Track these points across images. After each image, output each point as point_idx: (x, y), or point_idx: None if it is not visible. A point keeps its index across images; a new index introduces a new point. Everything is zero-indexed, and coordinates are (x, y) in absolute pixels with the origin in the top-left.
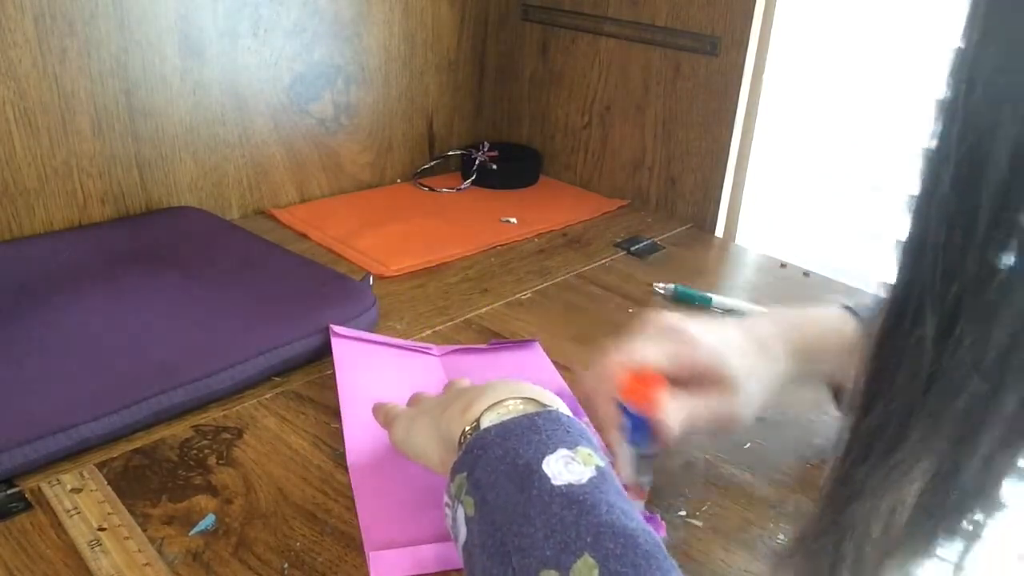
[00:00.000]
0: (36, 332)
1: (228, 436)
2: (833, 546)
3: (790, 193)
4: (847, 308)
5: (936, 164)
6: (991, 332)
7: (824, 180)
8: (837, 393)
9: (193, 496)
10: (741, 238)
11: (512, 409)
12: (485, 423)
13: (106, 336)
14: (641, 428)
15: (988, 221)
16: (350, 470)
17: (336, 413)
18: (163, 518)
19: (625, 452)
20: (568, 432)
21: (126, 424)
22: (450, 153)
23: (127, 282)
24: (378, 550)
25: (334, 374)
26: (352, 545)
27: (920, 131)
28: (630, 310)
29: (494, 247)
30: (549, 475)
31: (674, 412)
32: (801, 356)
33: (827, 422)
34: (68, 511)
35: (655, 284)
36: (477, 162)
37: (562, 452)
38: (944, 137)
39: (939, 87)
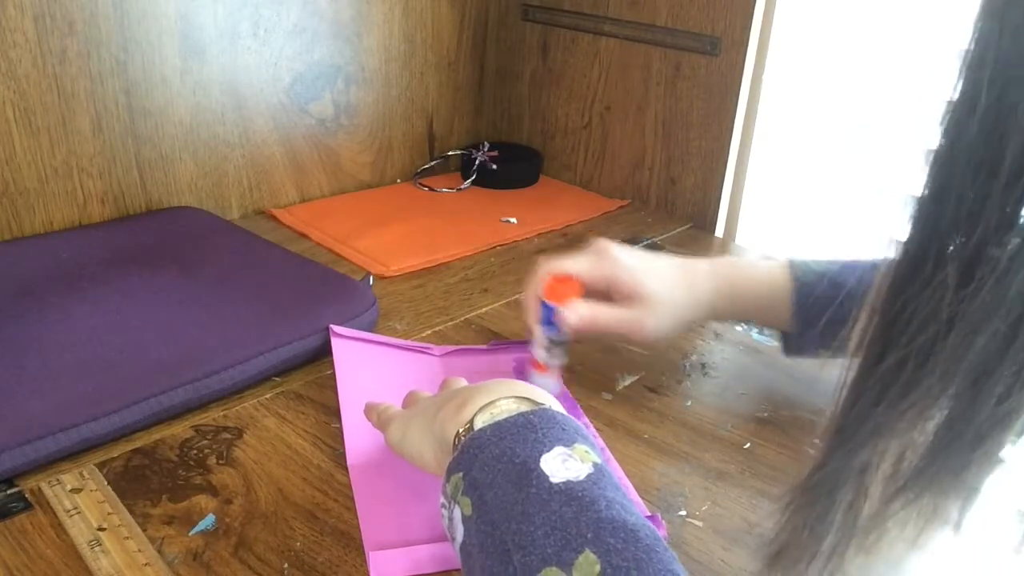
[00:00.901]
0: (36, 332)
1: (228, 436)
2: (839, 488)
3: (790, 193)
4: (792, 262)
5: (961, 114)
6: (1011, 278)
7: (824, 180)
8: (786, 338)
9: (193, 496)
10: (741, 238)
11: (506, 408)
12: (479, 423)
13: (106, 336)
14: (553, 319)
15: (1011, 170)
16: (350, 470)
17: (336, 413)
18: (163, 518)
19: (539, 334)
20: (564, 430)
21: (126, 424)
22: (450, 153)
23: (127, 282)
24: (378, 550)
25: (334, 374)
26: (352, 545)
27: (919, 131)
28: None
29: (494, 247)
30: (547, 473)
31: (576, 307)
32: (727, 298)
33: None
34: (68, 511)
35: None
36: (477, 162)
37: (559, 450)
38: (969, 87)
39: (963, 38)
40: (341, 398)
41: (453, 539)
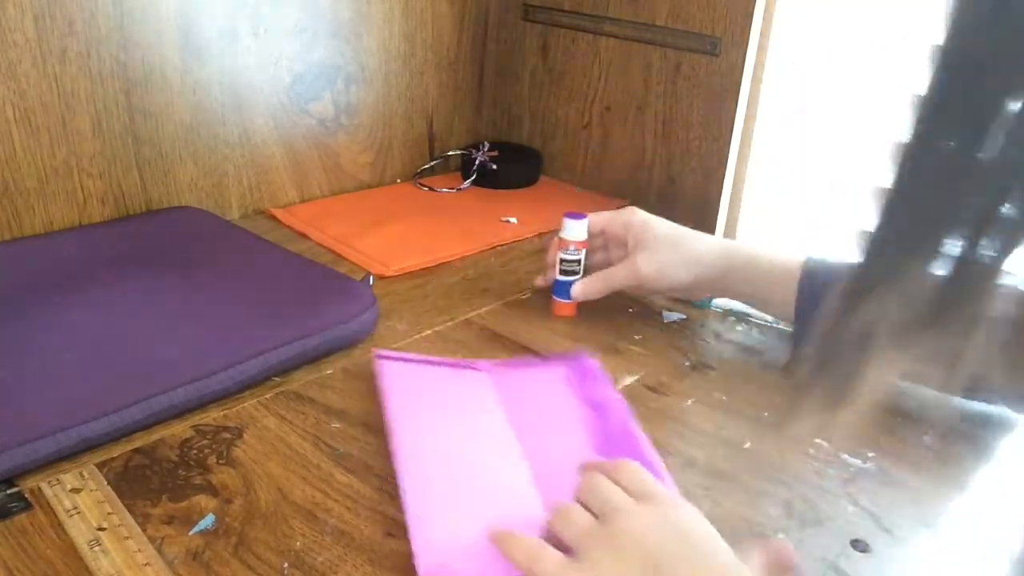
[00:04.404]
0: (36, 332)
1: (228, 436)
2: (847, 343)
3: (790, 193)
4: (808, 256)
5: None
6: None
7: (824, 180)
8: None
9: (193, 496)
10: (741, 238)
11: None
12: None
13: (106, 336)
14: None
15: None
16: (405, 498)
17: (338, 414)
18: (163, 518)
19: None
20: None
21: (126, 424)
22: (450, 153)
23: (127, 282)
24: None
25: (380, 398)
26: (352, 545)
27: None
28: (630, 310)
29: (494, 247)
30: None
31: (584, 282)
32: (734, 266)
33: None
34: (68, 511)
35: None
36: (477, 162)
37: None
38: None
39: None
40: (391, 421)
41: None
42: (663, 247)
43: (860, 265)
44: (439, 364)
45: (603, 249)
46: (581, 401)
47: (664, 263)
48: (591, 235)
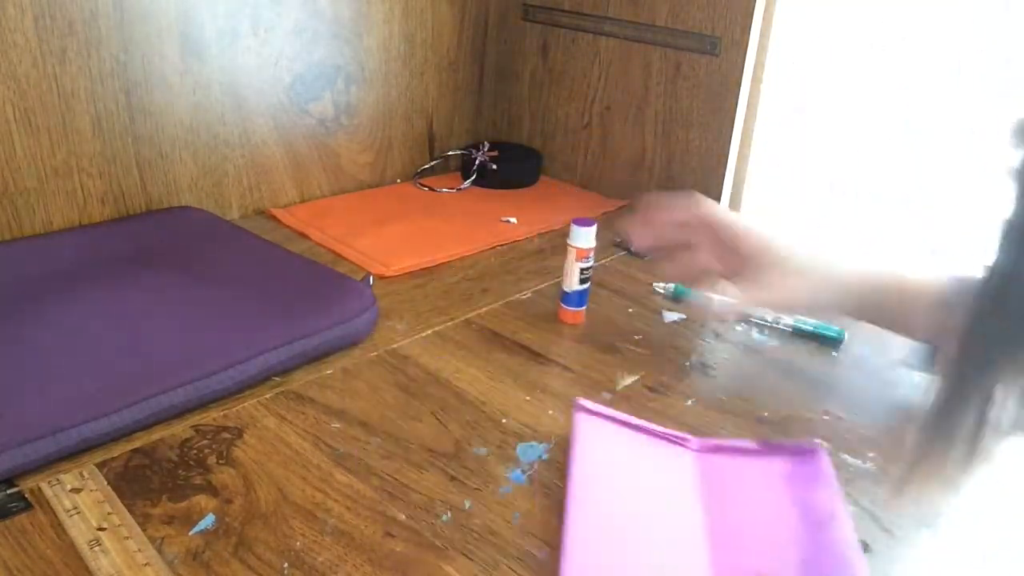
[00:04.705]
0: (36, 332)
1: (228, 436)
2: (963, 415)
3: (790, 193)
4: (943, 274)
5: None
6: None
7: (824, 180)
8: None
9: (193, 496)
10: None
11: None
12: None
13: (106, 336)
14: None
15: None
16: (565, 559)
17: (337, 414)
18: (163, 518)
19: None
20: None
21: (126, 424)
22: (450, 153)
23: (127, 282)
24: None
25: (569, 450)
26: (352, 545)
27: (919, 129)
28: (630, 310)
29: (494, 247)
30: None
31: (727, 297)
32: (868, 286)
33: (827, 421)
34: (68, 511)
35: (655, 284)
36: (477, 162)
37: None
38: None
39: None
40: (572, 478)
41: None
42: (800, 271)
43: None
44: (642, 430)
45: (685, 246)
46: (797, 509)
47: (805, 290)
48: (672, 226)
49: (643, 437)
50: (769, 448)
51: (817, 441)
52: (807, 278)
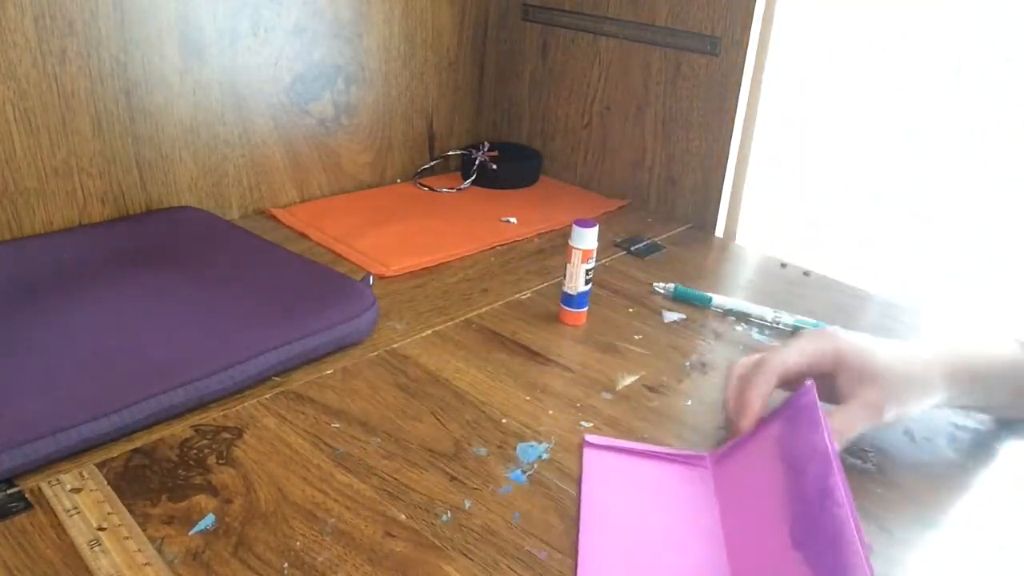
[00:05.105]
0: (36, 332)
1: (228, 436)
2: None
3: (790, 193)
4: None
5: None
6: None
7: (823, 179)
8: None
9: (193, 496)
10: (741, 238)
11: None
12: None
13: (106, 336)
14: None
15: None
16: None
17: (336, 414)
18: (163, 518)
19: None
20: None
21: (126, 424)
22: (450, 153)
23: (127, 282)
24: None
25: (580, 484)
26: (352, 545)
27: (919, 129)
28: (630, 310)
29: (494, 247)
30: None
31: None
32: (963, 378)
33: None
34: (68, 511)
35: (655, 284)
36: (477, 162)
37: None
38: None
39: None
40: (583, 516)
41: None
42: (897, 379)
43: None
44: (653, 456)
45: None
46: (786, 468)
47: (903, 402)
48: (798, 374)
49: (656, 463)
50: (769, 416)
51: (808, 382)
52: (906, 396)
